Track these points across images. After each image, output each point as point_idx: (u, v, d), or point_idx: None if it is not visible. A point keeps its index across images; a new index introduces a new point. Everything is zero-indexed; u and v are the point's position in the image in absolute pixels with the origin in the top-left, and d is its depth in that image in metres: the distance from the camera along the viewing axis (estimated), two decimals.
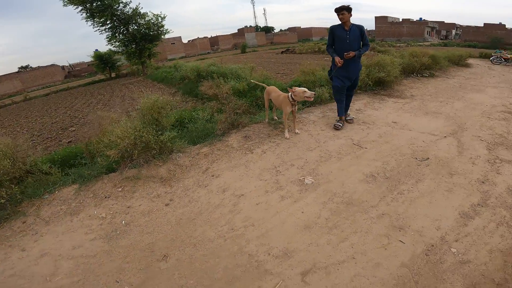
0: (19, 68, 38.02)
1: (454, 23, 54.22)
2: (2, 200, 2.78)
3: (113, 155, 3.05)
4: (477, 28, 43.04)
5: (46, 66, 34.66)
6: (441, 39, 46.18)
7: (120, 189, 2.95)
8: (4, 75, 31.71)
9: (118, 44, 16.86)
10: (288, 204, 2.51)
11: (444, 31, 52.42)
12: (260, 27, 67.78)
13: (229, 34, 51.81)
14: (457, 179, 2.73)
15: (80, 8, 14.91)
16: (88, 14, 15.21)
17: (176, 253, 2.13)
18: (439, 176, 2.79)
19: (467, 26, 46.70)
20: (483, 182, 2.68)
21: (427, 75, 8.13)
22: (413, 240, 2.02)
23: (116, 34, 16.56)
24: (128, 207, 2.70)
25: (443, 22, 52.83)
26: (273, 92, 3.89)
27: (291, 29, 61.61)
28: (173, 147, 3.50)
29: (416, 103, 5.31)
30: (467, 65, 10.70)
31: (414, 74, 8.05)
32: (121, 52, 17.76)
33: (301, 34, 56.65)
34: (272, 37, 55.53)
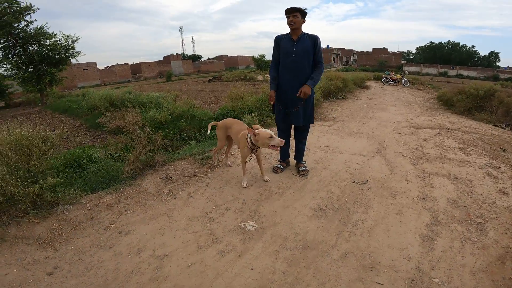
0: None
1: (352, 50, 65.67)
2: None
3: None
4: (367, 53, 52.93)
5: None
6: (343, 65, 54.79)
7: None
8: None
9: (10, 66, 13.92)
10: (231, 260, 1.91)
11: (345, 57, 62.74)
12: (187, 55, 67.70)
13: (153, 62, 49.62)
14: (400, 200, 2.63)
15: None
16: None
17: None
18: (384, 199, 2.64)
19: (361, 52, 57.04)
20: (424, 199, 2.64)
21: (340, 97, 9.01)
22: (390, 278, 1.74)
23: (9, 56, 13.68)
24: None
25: (344, 49, 63.37)
26: (235, 125, 2.93)
27: (219, 58, 63.52)
28: (59, 198, 2.51)
29: (339, 125, 5.55)
30: (367, 87, 12.56)
31: (331, 96, 8.80)
32: (13, 76, 14.66)
33: (228, 62, 58.91)
34: (199, 65, 55.90)
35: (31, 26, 13.57)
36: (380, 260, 1.89)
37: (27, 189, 2.28)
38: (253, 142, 2.59)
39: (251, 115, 4.79)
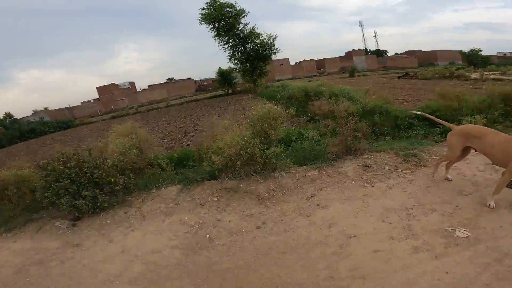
0: (167, 79, 48.08)
1: None
2: (117, 187, 3.16)
3: (218, 161, 3.06)
4: None
5: (184, 80, 42.77)
6: None
7: (215, 199, 2.90)
8: (156, 84, 41.46)
9: (236, 61, 18.34)
10: (424, 258, 1.84)
11: None
12: (370, 50, 63.47)
13: (336, 57, 50.68)
14: None
15: (210, 26, 16.88)
16: (215, 33, 17.06)
17: None
18: None
19: None
20: None
21: None
22: None
23: (236, 53, 18.06)
24: (218, 220, 2.59)
25: None
26: (491, 135, 2.32)
27: (409, 53, 54.80)
28: (277, 165, 3.25)
29: None
30: None
31: None
32: (237, 69, 19.38)
33: (423, 58, 49.54)
34: (385, 61, 50.92)
35: (246, 28, 17.11)
36: None
37: (265, 152, 3.14)
38: None
39: (474, 118, 3.90)
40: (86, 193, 2.98)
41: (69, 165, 3.03)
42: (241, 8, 16.95)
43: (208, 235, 2.42)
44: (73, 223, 3.01)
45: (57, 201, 2.99)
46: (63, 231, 2.91)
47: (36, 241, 2.83)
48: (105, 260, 2.35)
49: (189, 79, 42.74)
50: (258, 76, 19.11)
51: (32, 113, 34.37)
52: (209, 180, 3.24)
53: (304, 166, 3.37)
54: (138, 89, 44.90)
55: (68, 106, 38.83)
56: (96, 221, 2.97)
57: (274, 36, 17.55)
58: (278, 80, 27.92)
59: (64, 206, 2.94)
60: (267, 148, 3.21)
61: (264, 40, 17.46)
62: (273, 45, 17.76)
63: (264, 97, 13.77)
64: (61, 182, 2.95)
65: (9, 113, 29.66)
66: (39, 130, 24.01)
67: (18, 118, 30.51)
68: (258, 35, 17.42)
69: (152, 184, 3.41)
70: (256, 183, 3.01)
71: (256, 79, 19.04)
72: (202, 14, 16.26)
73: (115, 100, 37.90)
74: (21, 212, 3.37)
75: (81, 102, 40.60)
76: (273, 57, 18.89)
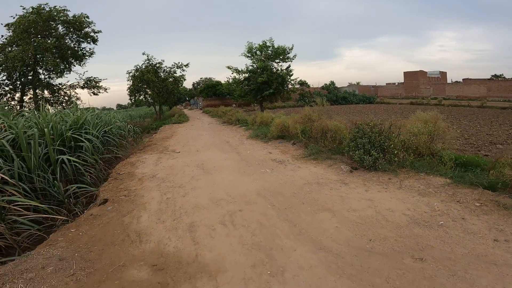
0: (492, 76, 37.84)
1: None
2: (395, 159, 3.93)
3: (510, 175, 2.91)
4: None
5: None
6: None
7: (478, 204, 2.82)
8: (474, 79, 34.07)
9: None
10: None
11: None
12: None
13: None
14: None
15: None
16: None
17: None
18: None
19: None
20: None
21: None
22: None
23: None
24: (463, 218, 2.59)
25: None
26: None
27: None
28: None
29: None
30: None
31: None
32: None
33: None
34: None
35: None
36: None
37: None
38: None
39: None
40: (374, 153, 3.90)
41: (374, 129, 4.06)
42: None
43: (441, 222, 2.55)
44: (351, 170, 4.16)
45: (351, 152, 4.21)
46: (342, 173, 4.14)
47: (325, 172, 4.27)
48: (354, 198, 3.22)
49: None
50: None
51: (348, 85, 43.20)
52: (484, 188, 3.14)
53: None
54: (449, 81, 39.64)
55: (374, 84, 43.98)
56: (366, 174, 3.93)
57: None
58: None
59: (356, 157, 4.09)
60: None
61: None
62: None
63: None
64: (362, 139, 4.05)
65: (332, 81, 39.37)
66: (349, 99, 30.47)
67: (338, 86, 39.75)
68: None
69: (424, 168, 3.82)
70: None
71: None
72: None
73: (419, 87, 36.81)
74: (327, 151, 5.13)
75: (386, 83, 43.95)
76: None
